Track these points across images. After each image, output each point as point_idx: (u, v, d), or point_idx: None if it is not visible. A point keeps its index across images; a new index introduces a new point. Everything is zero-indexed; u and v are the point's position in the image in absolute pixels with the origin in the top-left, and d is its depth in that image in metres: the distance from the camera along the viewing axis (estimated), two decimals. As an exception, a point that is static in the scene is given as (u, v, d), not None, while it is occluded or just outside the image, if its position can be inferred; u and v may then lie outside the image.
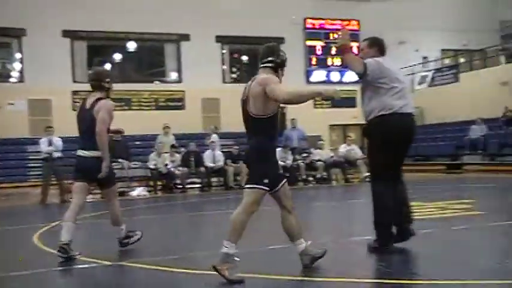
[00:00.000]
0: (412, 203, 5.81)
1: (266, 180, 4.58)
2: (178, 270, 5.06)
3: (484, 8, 28.60)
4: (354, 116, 26.48)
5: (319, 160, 17.06)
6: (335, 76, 26.30)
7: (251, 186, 4.61)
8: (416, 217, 6.46)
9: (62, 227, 5.66)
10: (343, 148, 17.75)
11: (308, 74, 25.83)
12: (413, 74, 25.69)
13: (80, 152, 5.77)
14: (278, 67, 4.87)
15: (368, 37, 5.94)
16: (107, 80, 5.86)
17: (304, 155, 17.25)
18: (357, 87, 24.30)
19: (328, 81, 26.08)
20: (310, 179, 17.05)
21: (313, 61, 26.05)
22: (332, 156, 17.48)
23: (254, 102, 4.69)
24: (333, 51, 26.23)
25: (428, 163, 21.73)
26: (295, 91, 4.59)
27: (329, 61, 26.33)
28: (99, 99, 5.79)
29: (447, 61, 27.98)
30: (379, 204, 5.35)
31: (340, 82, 26.36)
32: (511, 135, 19.60)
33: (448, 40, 28.07)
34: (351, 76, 26.66)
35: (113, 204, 6.00)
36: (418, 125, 21.72)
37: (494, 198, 10.79)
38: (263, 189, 4.59)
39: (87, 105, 5.80)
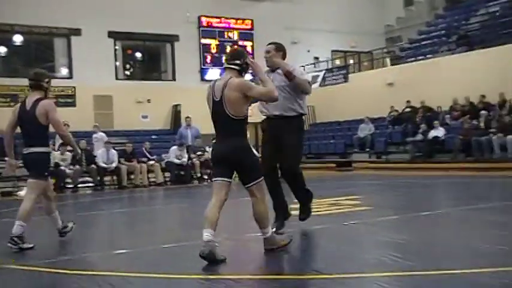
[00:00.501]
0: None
1: (262, 172, 5.17)
2: (70, 272, 4.89)
3: (371, 12, 29.86)
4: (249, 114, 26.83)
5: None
6: (230, 75, 26.45)
7: (257, 181, 5.09)
8: (317, 213, 6.64)
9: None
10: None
11: (203, 72, 25.80)
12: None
13: (31, 149, 6.05)
14: (243, 71, 5.17)
15: (273, 42, 6.27)
16: (46, 80, 6.15)
17: (199, 153, 17.22)
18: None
19: (222, 80, 26.18)
20: (205, 177, 17.05)
21: (208, 59, 26.04)
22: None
23: (233, 105, 4.94)
24: (228, 49, 26.40)
25: (320, 161, 22.37)
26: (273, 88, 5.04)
27: (223, 59, 26.43)
28: (39, 99, 6.06)
29: (337, 62, 28.92)
30: (303, 185, 6.30)
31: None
32: (396, 134, 20.60)
33: (338, 41, 29.04)
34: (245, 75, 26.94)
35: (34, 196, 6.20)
36: (310, 124, 22.14)
37: (381, 195, 11.28)
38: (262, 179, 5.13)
39: (28, 106, 6.06)
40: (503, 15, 22.27)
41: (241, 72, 5.15)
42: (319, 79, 26.46)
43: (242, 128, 5.05)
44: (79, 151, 6.21)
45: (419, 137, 19.10)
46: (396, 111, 21.68)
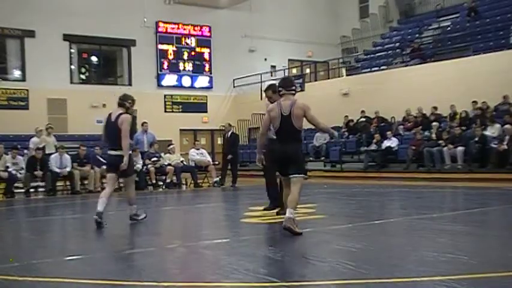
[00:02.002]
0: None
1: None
2: (20, 278, 4.77)
3: (327, 22, 30.25)
4: (204, 120, 26.84)
5: (169, 164, 17.00)
6: (186, 81, 26.41)
7: (302, 175, 6.80)
8: (268, 221, 6.66)
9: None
10: (193, 152, 17.87)
11: (160, 78, 25.66)
12: (262, 82, 26.45)
13: (110, 152, 8.17)
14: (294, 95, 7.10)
15: (270, 84, 8.50)
16: (129, 101, 8.31)
17: (154, 159, 17.09)
18: (207, 93, 24.29)
19: (179, 86, 26.13)
20: (160, 183, 16.94)
21: (165, 65, 25.91)
22: (182, 161, 17.51)
23: (297, 119, 6.83)
24: (185, 56, 26.33)
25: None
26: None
27: (181, 65, 26.37)
28: (120, 114, 8.14)
29: (294, 71, 29.17)
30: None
31: (191, 87, 26.54)
32: (350, 143, 20.87)
33: (295, 51, 29.31)
34: (201, 82, 26.93)
35: (130, 188, 8.42)
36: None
37: (335, 203, 11.39)
38: (306, 177, 6.83)
39: (113, 118, 8.14)
40: (455, 30, 22.89)
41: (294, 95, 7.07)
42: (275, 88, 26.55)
43: (300, 136, 6.97)
44: (127, 157, 8.09)
45: (373, 146, 19.39)
46: (352, 121, 21.95)
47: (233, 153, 16.75)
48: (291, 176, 6.77)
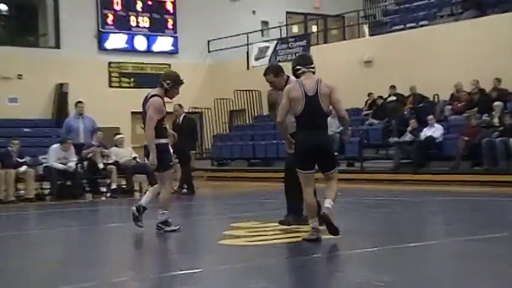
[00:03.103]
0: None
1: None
2: None
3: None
4: (167, 100, 26.79)
5: (115, 163, 16.90)
6: (140, 43, 26.27)
7: (337, 168, 8.12)
8: (258, 242, 6.71)
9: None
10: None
11: (102, 38, 25.49)
12: (249, 44, 26.40)
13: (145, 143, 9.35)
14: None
15: (271, 66, 9.57)
16: (168, 81, 9.30)
17: (105, 151, 17.06)
18: (171, 61, 24.43)
19: (131, 50, 26.01)
20: (104, 189, 16.91)
21: (109, 19, 25.80)
22: (135, 158, 17.44)
23: (325, 100, 7.78)
24: (139, 6, 26.15)
25: (268, 169, 22.45)
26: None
27: (132, 20, 26.21)
28: (153, 95, 9.31)
29: (295, 29, 29.09)
30: None
31: (148, 51, 26.43)
32: (375, 133, 20.88)
33: (296, 0, 29.21)
34: (162, 44, 26.81)
35: (163, 188, 9.38)
36: (255, 117, 22.26)
37: (352, 217, 11.43)
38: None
39: (146, 101, 9.42)
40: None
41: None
42: (269, 53, 26.50)
43: (327, 122, 7.93)
44: (154, 151, 9.19)
45: (407, 137, 19.43)
46: (376, 100, 22.00)
47: (183, 148, 16.44)
48: (329, 172, 7.99)
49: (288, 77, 8.90)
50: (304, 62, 8.14)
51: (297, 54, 25.44)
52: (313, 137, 7.74)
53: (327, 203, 7.70)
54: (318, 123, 7.78)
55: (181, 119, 17.01)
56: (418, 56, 21.51)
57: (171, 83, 9.30)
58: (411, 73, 21.23)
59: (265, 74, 9.13)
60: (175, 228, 9.23)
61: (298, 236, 8.21)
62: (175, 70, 24.76)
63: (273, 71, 9.08)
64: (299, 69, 8.00)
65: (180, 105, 17.27)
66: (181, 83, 9.42)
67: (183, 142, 16.46)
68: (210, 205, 15.61)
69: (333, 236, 7.74)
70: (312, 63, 8.12)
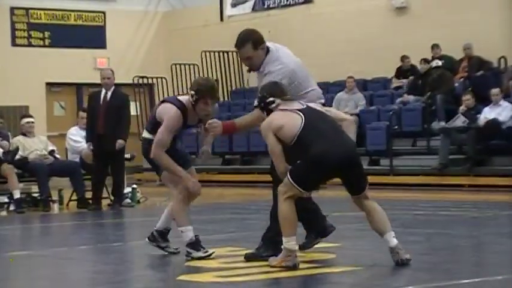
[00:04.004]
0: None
1: None
2: None
3: None
4: (99, 65, 26.76)
5: (21, 159, 16.87)
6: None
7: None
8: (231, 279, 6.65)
9: None
10: (75, 135, 17.72)
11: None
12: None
13: None
14: None
15: (240, 39, 9.08)
16: (192, 92, 9.28)
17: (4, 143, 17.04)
18: (106, 7, 24.49)
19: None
20: (5, 200, 16.88)
21: None
22: (52, 152, 17.41)
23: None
24: None
25: (254, 169, 22.48)
26: None
27: None
28: (170, 101, 9.57)
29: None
30: None
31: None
32: (411, 115, 20.87)
33: None
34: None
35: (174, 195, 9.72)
36: (232, 91, 22.43)
37: (376, 241, 11.41)
38: None
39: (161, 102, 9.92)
40: None
41: None
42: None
43: None
44: None
45: (459, 121, 19.48)
46: (413, 66, 21.98)
47: (111, 137, 16.38)
48: (363, 191, 8.58)
49: (268, 49, 9.11)
50: (278, 92, 8.55)
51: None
52: (341, 147, 8.26)
53: (393, 241, 8.24)
54: (334, 126, 8.47)
55: (109, 94, 16.86)
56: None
57: (195, 95, 9.31)
58: (465, 24, 21.24)
59: (238, 47, 9.06)
60: (206, 254, 9.31)
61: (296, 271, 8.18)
62: (112, 24, 24.85)
63: (251, 40, 8.99)
64: (272, 101, 8.45)
65: (112, 71, 17.24)
66: (214, 98, 9.50)
67: (110, 129, 16.44)
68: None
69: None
70: (287, 94, 8.59)
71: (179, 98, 9.61)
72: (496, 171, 18.57)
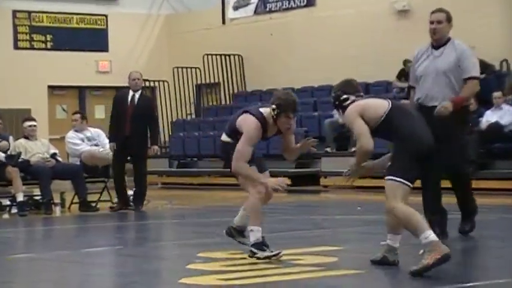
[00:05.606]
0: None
1: None
2: None
3: None
4: (101, 68, 26.74)
5: (23, 162, 16.85)
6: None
7: None
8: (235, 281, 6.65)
9: None
10: (75, 138, 17.67)
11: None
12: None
13: None
14: None
15: (441, 8, 11.78)
16: (274, 106, 9.43)
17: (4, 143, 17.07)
18: (108, 10, 24.38)
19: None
20: (7, 202, 16.92)
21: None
22: (54, 155, 17.40)
23: None
24: None
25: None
26: None
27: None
28: (252, 113, 9.61)
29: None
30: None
31: (73, -4, 26.36)
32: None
33: None
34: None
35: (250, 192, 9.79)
36: (235, 94, 22.26)
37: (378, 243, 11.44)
38: None
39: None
40: None
41: None
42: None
43: None
44: None
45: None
46: (408, 64, 21.98)
47: (142, 142, 16.44)
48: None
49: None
50: (351, 89, 8.82)
51: (295, 2, 25.46)
52: (428, 133, 8.53)
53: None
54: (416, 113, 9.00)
55: (137, 96, 16.88)
56: (477, 2, 21.51)
57: (277, 109, 9.45)
58: (467, 28, 21.19)
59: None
60: (272, 254, 9.28)
61: (299, 272, 8.18)
62: (114, 27, 24.76)
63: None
64: (347, 99, 8.63)
65: (140, 73, 17.32)
66: (295, 111, 9.54)
67: (137, 130, 16.47)
68: (168, 227, 15.57)
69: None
70: (361, 91, 8.87)
71: (261, 110, 9.63)
72: (499, 174, 18.55)
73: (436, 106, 10.49)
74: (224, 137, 9.86)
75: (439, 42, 11.34)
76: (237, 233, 9.82)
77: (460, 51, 10.98)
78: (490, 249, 11.20)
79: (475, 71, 10.89)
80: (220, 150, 10.20)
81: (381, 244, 8.79)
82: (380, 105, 8.54)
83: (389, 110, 8.44)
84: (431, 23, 11.66)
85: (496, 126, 18.76)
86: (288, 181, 9.35)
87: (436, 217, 10.34)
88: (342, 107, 8.68)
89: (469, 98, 11.14)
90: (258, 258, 9.15)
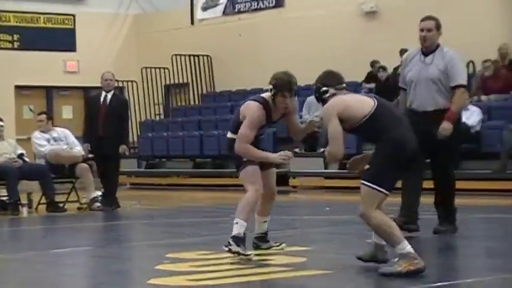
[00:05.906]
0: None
1: None
2: None
3: None
4: (69, 68, 26.67)
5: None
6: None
7: None
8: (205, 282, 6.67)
9: None
10: (41, 139, 17.61)
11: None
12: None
13: None
14: None
15: (429, 16, 12.04)
16: (271, 85, 9.63)
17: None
18: (75, 10, 24.40)
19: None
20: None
21: None
22: (21, 155, 17.33)
23: None
24: None
25: (222, 173, 22.46)
26: None
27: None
28: (253, 99, 9.86)
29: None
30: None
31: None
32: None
33: None
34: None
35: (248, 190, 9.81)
36: (204, 94, 22.31)
37: (352, 242, 11.48)
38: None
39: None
40: None
41: None
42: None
43: None
44: None
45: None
46: (382, 69, 21.99)
47: (115, 141, 16.44)
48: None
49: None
50: (331, 81, 8.89)
51: (264, 2, 25.49)
52: (413, 136, 8.45)
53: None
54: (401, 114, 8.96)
55: (109, 97, 16.85)
56: (446, 2, 21.67)
57: (273, 88, 9.61)
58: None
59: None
60: (243, 253, 9.22)
61: (269, 272, 8.20)
62: (82, 26, 24.66)
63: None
64: (326, 91, 8.67)
65: (112, 73, 17.28)
66: (291, 91, 9.72)
67: (110, 131, 16.45)
68: (137, 227, 15.55)
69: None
70: (343, 82, 8.98)
71: (262, 94, 9.81)
72: (466, 175, 18.59)
73: (428, 112, 10.97)
74: (229, 135, 9.91)
75: (429, 49, 11.54)
76: (260, 240, 9.99)
77: (448, 59, 11.31)
78: (457, 248, 11.36)
79: (462, 79, 11.17)
80: (227, 148, 10.15)
81: (366, 242, 8.84)
82: (365, 103, 8.53)
83: (374, 109, 8.39)
84: (421, 30, 11.74)
85: (463, 127, 18.81)
86: (291, 154, 9.63)
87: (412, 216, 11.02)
88: (322, 99, 8.70)
89: (461, 109, 11.67)
90: (230, 250, 9.14)
